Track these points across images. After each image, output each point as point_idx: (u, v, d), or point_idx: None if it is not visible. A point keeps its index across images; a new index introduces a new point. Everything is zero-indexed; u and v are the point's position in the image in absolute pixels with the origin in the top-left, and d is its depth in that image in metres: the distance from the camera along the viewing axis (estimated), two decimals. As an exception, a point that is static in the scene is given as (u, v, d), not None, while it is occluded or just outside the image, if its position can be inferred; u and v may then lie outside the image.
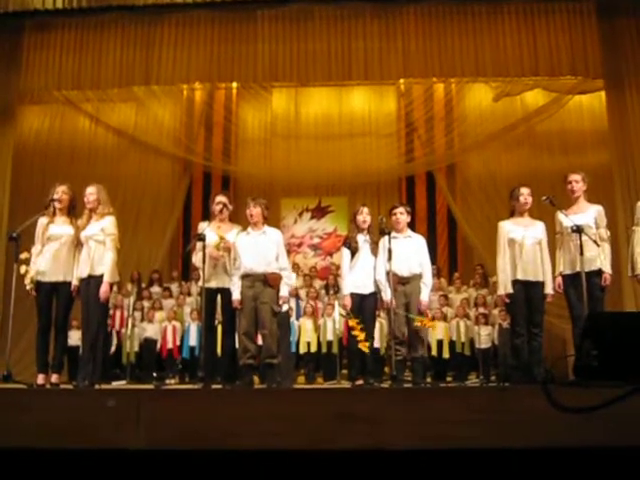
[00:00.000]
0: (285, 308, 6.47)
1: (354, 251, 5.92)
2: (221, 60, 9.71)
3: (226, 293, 5.65)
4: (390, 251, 5.41)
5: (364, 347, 5.59)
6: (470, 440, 1.93)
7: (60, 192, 5.79)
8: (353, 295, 5.84)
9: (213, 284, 5.70)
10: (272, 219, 6.50)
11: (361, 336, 5.58)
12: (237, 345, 5.72)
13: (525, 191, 5.81)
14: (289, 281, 6.03)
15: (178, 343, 9.41)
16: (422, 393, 2.73)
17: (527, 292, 5.64)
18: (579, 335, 3.63)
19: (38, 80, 9.89)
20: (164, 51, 9.69)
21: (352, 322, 5.66)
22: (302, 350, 9.05)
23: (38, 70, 9.84)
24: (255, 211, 5.71)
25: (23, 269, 5.65)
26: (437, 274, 9.67)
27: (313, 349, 9.09)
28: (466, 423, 1.95)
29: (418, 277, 5.77)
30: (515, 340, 5.66)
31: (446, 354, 9.21)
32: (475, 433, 1.94)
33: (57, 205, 5.75)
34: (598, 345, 2.34)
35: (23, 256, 5.66)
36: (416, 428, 1.97)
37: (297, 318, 9.10)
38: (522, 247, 5.67)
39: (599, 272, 5.53)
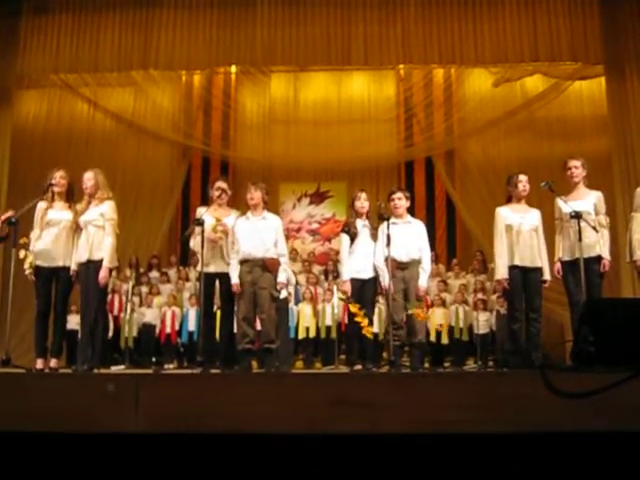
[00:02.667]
0: (284, 295, 6.47)
1: (353, 236, 5.90)
2: (220, 44, 9.66)
3: (225, 278, 5.64)
4: (389, 237, 5.40)
5: (368, 333, 5.59)
6: (468, 425, 1.94)
7: (58, 177, 5.77)
8: (353, 280, 5.83)
9: (212, 269, 5.69)
10: (271, 204, 6.49)
11: (365, 322, 5.58)
12: (236, 330, 5.73)
13: (524, 178, 5.80)
14: (288, 268, 6.03)
15: (177, 328, 9.43)
16: (420, 378, 2.74)
17: (525, 278, 5.64)
18: (577, 321, 3.64)
19: (36, 63, 9.84)
20: (162, 35, 9.64)
21: (354, 308, 5.64)
22: (301, 335, 9.08)
23: (36, 53, 9.79)
24: (256, 194, 5.70)
25: (22, 254, 5.64)
26: (436, 260, 9.68)
27: (312, 334, 9.11)
28: (464, 408, 1.96)
29: (417, 263, 5.77)
30: (512, 325, 5.65)
31: (445, 340, 9.24)
32: (473, 418, 1.95)
33: (55, 189, 5.74)
34: (595, 331, 2.35)
35: (22, 241, 5.66)
36: (414, 413, 1.98)
37: (296, 303, 9.12)
38: (519, 233, 5.66)
39: (598, 258, 5.53)
